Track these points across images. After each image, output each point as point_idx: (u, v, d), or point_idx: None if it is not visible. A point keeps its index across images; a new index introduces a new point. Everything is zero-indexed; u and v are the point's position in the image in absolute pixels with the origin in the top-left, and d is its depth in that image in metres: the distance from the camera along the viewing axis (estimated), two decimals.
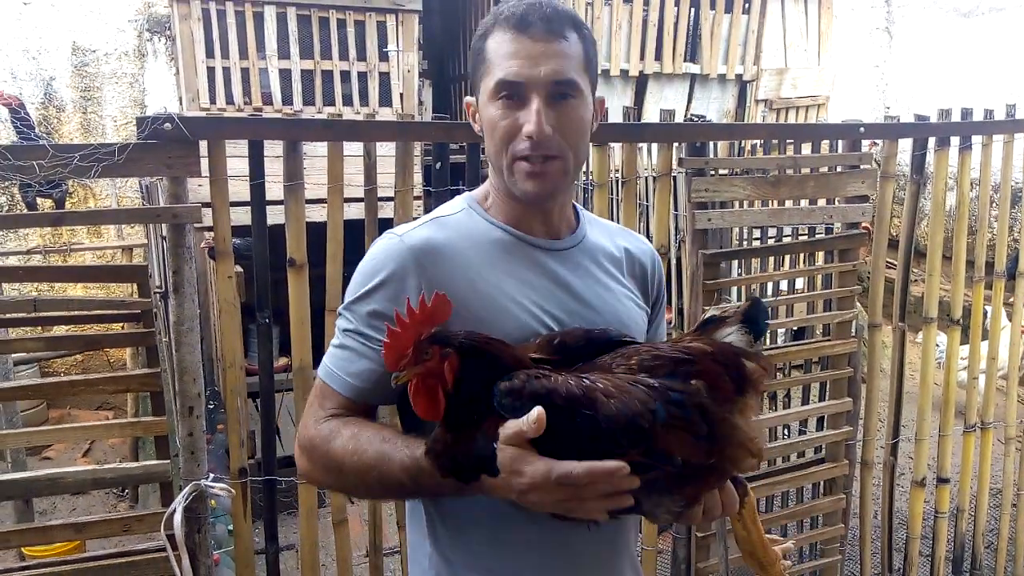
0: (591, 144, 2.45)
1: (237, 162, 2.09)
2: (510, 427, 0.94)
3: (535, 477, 0.93)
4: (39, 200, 4.85)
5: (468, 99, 1.28)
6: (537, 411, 0.90)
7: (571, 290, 1.23)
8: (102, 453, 5.33)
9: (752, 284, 2.95)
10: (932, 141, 2.77)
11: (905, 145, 2.78)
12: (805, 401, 3.40)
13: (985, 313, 3.22)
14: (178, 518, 1.98)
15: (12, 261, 5.35)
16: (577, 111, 1.18)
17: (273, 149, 2.12)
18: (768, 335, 3.59)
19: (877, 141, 2.85)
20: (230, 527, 3.12)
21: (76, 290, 5.37)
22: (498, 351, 1.00)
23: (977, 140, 2.83)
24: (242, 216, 2.17)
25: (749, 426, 1.03)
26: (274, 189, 2.14)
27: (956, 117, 2.81)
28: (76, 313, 1.98)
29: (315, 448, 1.16)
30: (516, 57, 1.14)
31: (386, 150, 2.23)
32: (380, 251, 1.20)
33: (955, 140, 2.79)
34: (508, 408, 0.95)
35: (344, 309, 1.21)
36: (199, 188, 2.27)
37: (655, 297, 1.40)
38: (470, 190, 2.32)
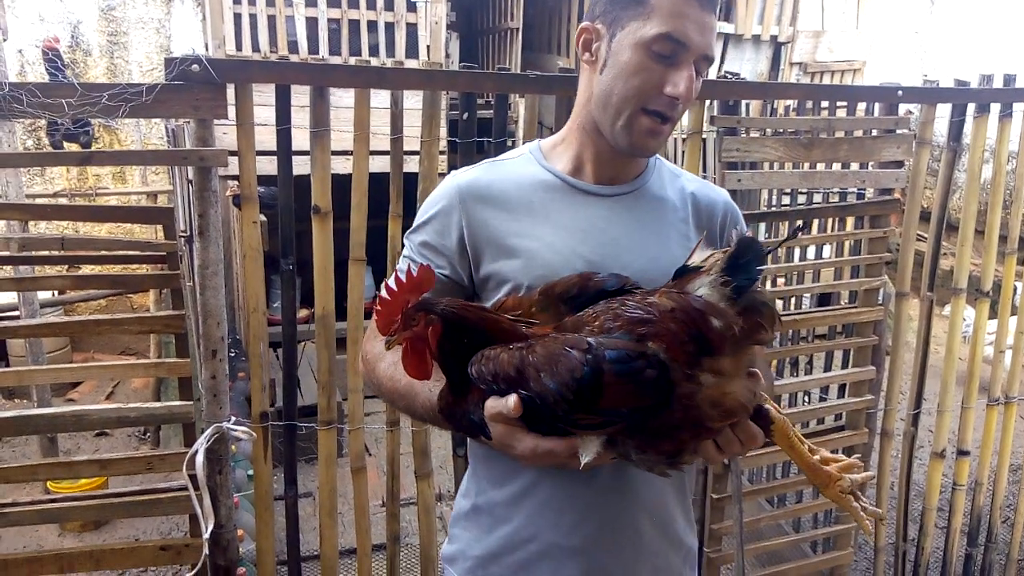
0: None
1: (262, 111, 2.08)
2: (491, 408, 1.02)
3: (524, 451, 1.02)
4: (66, 144, 4.86)
5: (587, 25, 1.24)
6: (514, 400, 0.97)
7: (609, 234, 1.24)
8: (125, 397, 5.42)
9: (779, 248, 2.90)
10: (972, 107, 2.70)
11: (942, 112, 2.70)
12: (827, 368, 3.38)
13: (1015, 288, 3.16)
14: (200, 458, 2.01)
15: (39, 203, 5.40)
16: (699, 86, 1.20)
17: (299, 99, 2.10)
18: (793, 300, 3.55)
19: (912, 109, 2.77)
20: (250, 472, 3.17)
21: (101, 232, 5.43)
22: (476, 318, 1.06)
23: (1019, 108, 2.75)
24: (267, 166, 2.16)
25: (720, 383, 0.96)
26: (299, 140, 2.13)
27: (998, 83, 2.72)
28: (102, 253, 1.99)
29: (367, 363, 1.30)
30: (686, 19, 1.14)
31: (412, 102, 2.20)
32: (439, 187, 1.31)
33: (995, 108, 2.71)
34: (480, 384, 1.03)
35: (406, 236, 1.34)
36: (224, 136, 2.26)
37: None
38: (494, 142, 2.31)
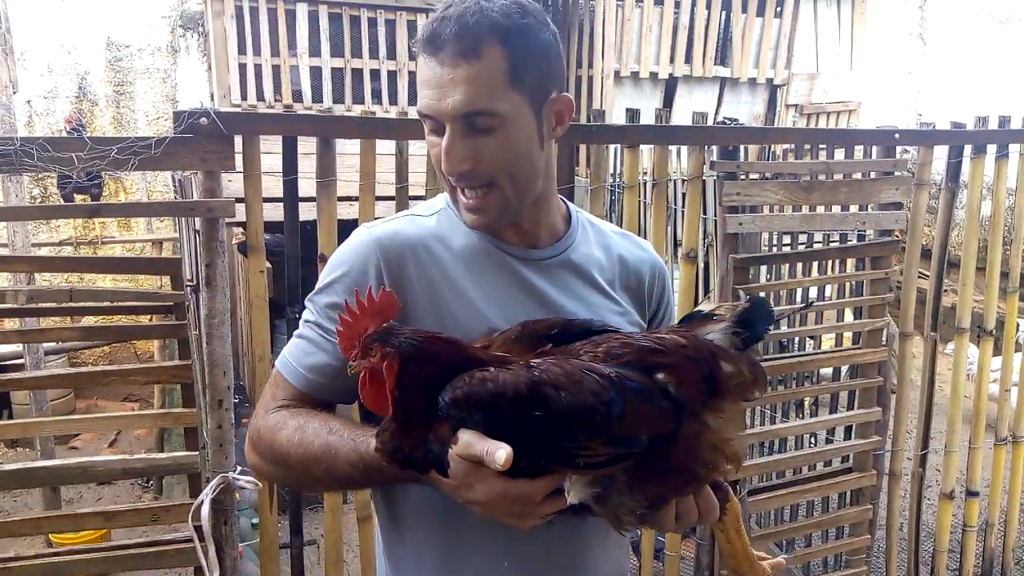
0: (623, 146, 2.45)
1: (267, 158, 2.11)
2: (466, 444, 0.89)
3: (489, 495, 0.91)
4: (76, 196, 4.95)
5: None
6: (505, 454, 0.86)
7: (545, 302, 1.17)
8: (128, 444, 5.40)
9: (782, 290, 2.92)
10: (968, 149, 2.73)
11: (940, 152, 2.74)
12: (833, 410, 3.37)
13: (1018, 325, 3.16)
14: (205, 509, 2.00)
15: (44, 252, 5.44)
16: (497, 139, 1.07)
17: (304, 146, 2.13)
18: (796, 341, 3.56)
19: (909, 148, 2.81)
20: (253, 520, 3.15)
21: (105, 282, 5.46)
22: (444, 351, 0.95)
23: (1015, 148, 2.79)
24: (271, 212, 2.19)
25: (723, 427, 0.96)
26: (303, 185, 2.16)
27: (993, 125, 2.77)
28: (114, 304, 2.00)
29: (260, 440, 1.12)
30: (427, 86, 1.06)
31: (417, 148, 2.24)
32: (348, 244, 1.17)
33: (991, 148, 2.75)
34: (456, 418, 0.91)
35: (308, 300, 1.18)
36: (228, 183, 2.29)
37: (655, 308, 1.31)
38: None
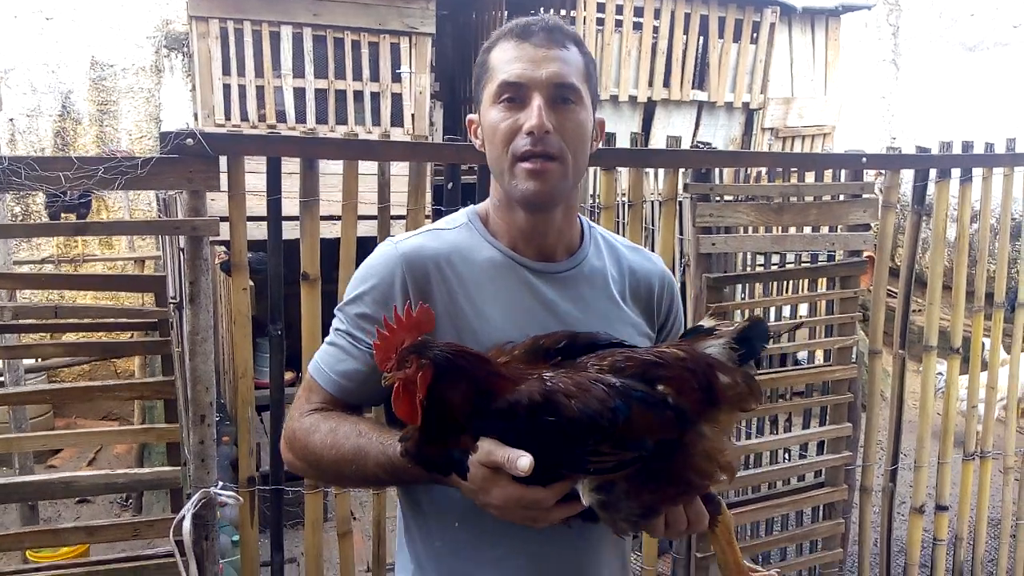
0: (599, 168, 2.52)
1: (250, 178, 2.15)
2: (487, 452, 0.97)
3: (504, 500, 0.98)
4: (63, 214, 4.96)
5: (471, 117, 1.29)
6: (528, 461, 0.93)
7: (558, 314, 1.23)
8: (107, 463, 5.37)
9: (755, 308, 3.00)
10: (933, 173, 2.83)
11: (907, 176, 2.84)
12: (806, 426, 3.43)
13: (984, 343, 3.25)
14: (187, 524, 2.02)
15: (25, 269, 5.43)
16: (578, 115, 1.19)
17: (287, 165, 2.18)
18: (768, 359, 3.64)
19: (880, 171, 2.91)
20: (234, 537, 3.15)
21: (86, 299, 5.45)
22: (472, 364, 1.02)
23: (978, 172, 2.89)
24: (254, 231, 2.22)
25: (718, 438, 1.02)
26: (285, 204, 2.20)
27: (957, 149, 2.86)
28: (98, 320, 2.03)
29: (296, 440, 1.20)
30: (518, 61, 1.17)
31: (399, 169, 2.29)
32: (375, 257, 1.24)
33: (956, 172, 2.85)
34: (477, 428, 0.99)
35: (338, 310, 1.25)
36: (212, 202, 2.33)
37: (664, 319, 1.37)
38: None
